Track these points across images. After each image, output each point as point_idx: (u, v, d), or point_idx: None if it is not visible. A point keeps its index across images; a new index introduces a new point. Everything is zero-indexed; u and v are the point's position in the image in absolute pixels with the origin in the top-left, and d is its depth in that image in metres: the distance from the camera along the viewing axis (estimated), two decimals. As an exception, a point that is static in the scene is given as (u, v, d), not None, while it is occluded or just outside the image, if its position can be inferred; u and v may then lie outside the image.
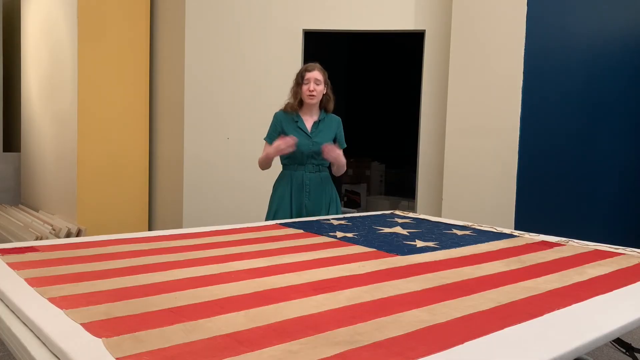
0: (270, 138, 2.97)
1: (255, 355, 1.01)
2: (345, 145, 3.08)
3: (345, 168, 3.04)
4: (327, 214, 2.95)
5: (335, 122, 3.04)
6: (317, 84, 2.89)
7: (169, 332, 1.12)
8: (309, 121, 2.96)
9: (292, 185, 2.93)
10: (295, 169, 2.94)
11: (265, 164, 2.95)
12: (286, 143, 2.78)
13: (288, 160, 2.95)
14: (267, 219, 2.98)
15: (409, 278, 1.61)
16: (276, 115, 3.00)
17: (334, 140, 3.00)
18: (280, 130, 2.94)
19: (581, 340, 1.15)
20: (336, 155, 2.89)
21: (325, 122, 2.99)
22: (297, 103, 2.94)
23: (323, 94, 2.95)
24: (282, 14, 4.73)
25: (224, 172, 4.88)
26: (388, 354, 1.04)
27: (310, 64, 2.97)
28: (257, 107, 4.80)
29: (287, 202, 2.93)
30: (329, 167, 3.04)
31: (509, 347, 1.10)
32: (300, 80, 2.93)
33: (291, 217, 2.91)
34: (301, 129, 2.92)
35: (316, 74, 2.90)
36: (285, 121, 2.95)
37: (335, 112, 3.08)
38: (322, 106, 3.00)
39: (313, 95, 2.89)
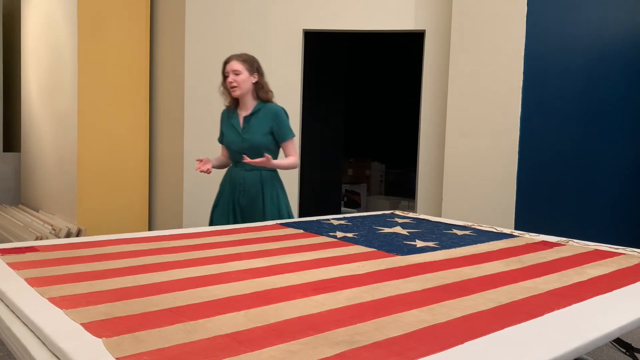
0: (219, 139, 2.91)
1: (255, 355, 1.01)
2: (291, 136, 2.81)
3: (293, 167, 2.80)
4: (264, 216, 2.76)
5: (271, 113, 2.77)
6: (237, 74, 2.72)
7: (169, 332, 1.12)
8: (242, 116, 2.80)
9: (230, 182, 2.83)
10: (235, 166, 2.84)
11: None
12: (200, 168, 2.65)
13: (230, 157, 2.87)
14: (210, 217, 2.92)
15: (409, 278, 1.61)
16: (221, 114, 2.91)
17: (272, 134, 2.77)
18: (222, 129, 2.86)
19: (581, 340, 1.15)
20: (257, 163, 2.61)
21: (258, 115, 2.77)
22: (230, 98, 2.82)
23: (253, 83, 2.78)
24: (282, 14, 4.73)
25: (223, 172, 4.87)
26: (388, 354, 1.04)
27: (230, 55, 2.79)
28: (257, 107, 4.80)
29: (225, 200, 2.83)
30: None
31: (509, 347, 1.10)
32: (223, 74, 2.79)
33: (228, 216, 2.81)
34: (233, 126, 2.80)
35: (234, 65, 2.73)
36: (224, 119, 2.86)
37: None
38: (258, 97, 2.81)
39: (234, 87, 2.73)
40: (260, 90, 2.80)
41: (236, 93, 2.75)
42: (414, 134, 4.92)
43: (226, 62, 2.77)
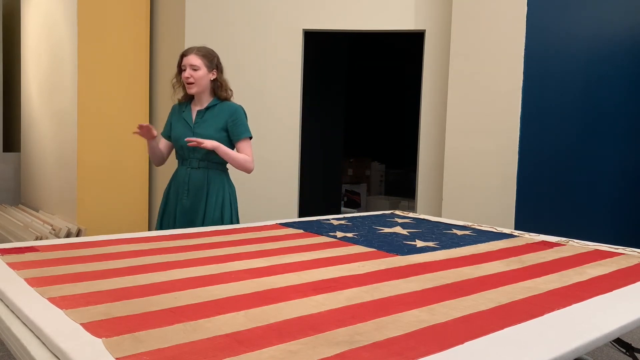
0: (164, 132, 2.69)
1: (255, 355, 1.01)
2: (246, 136, 2.60)
3: (245, 166, 2.58)
4: (204, 221, 2.56)
5: (228, 110, 2.58)
6: (195, 70, 2.52)
7: (169, 332, 1.12)
8: (196, 110, 2.62)
9: (174, 183, 2.62)
10: (182, 164, 2.62)
11: (152, 158, 2.66)
12: (141, 128, 2.43)
13: (177, 155, 2.66)
14: (157, 223, 2.70)
15: (409, 278, 1.61)
16: (172, 108, 2.72)
17: (226, 131, 2.57)
18: (170, 123, 2.66)
19: (581, 340, 1.15)
20: (204, 145, 2.41)
21: (213, 111, 2.59)
22: (186, 92, 2.63)
23: (212, 80, 2.59)
24: (282, 14, 4.73)
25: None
26: (388, 354, 1.04)
27: (189, 47, 2.59)
28: (257, 107, 4.80)
29: (172, 203, 2.62)
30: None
31: (509, 347, 1.10)
32: (178, 67, 2.60)
33: (175, 220, 2.59)
34: (185, 120, 2.60)
35: (191, 59, 2.52)
36: (174, 112, 2.66)
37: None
38: (215, 95, 2.63)
39: (190, 83, 2.53)
40: (219, 89, 2.61)
41: (192, 90, 2.55)
42: (414, 134, 4.92)
43: (183, 55, 2.56)
